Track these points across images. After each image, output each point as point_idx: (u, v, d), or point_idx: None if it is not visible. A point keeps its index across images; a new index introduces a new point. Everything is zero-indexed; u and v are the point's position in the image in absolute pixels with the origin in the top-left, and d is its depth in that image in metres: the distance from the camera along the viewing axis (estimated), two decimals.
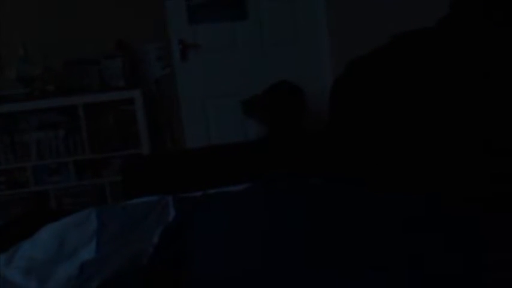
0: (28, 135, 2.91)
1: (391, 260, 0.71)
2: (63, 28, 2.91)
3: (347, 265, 0.71)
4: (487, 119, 0.88)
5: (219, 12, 2.98)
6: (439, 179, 0.95)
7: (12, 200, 2.90)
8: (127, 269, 0.93)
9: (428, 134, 1.00)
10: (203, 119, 3.00)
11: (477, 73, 0.92)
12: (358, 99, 1.42)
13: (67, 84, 2.89)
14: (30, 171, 2.89)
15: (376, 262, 0.72)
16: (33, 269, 1.05)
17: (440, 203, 0.87)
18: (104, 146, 2.91)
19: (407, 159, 1.01)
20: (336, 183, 1.12)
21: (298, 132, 2.40)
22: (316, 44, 3.00)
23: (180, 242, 1.02)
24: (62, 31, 2.90)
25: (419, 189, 0.92)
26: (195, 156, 1.93)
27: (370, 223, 0.86)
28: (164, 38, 2.93)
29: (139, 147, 2.85)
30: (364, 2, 2.35)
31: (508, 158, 0.83)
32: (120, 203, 1.46)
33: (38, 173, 2.91)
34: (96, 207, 1.28)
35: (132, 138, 2.89)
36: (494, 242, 0.71)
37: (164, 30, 2.92)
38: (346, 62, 1.45)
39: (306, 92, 2.63)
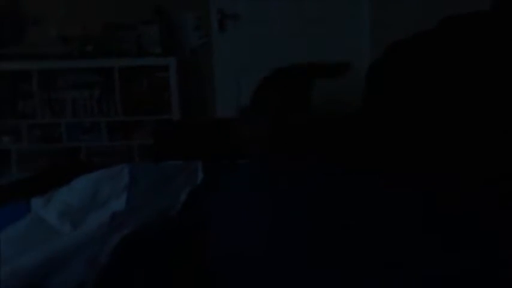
0: (64, 93, 3.01)
1: (406, 256, 0.72)
2: None
3: (357, 261, 0.71)
4: None
5: None
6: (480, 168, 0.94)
7: (44, 154, 3.02)
8: (155, 221, 0.97)
9: (472, 123, 0.99)
10: (235, 91, 3.01)
11: None
12: (398, 83, 1.40)
13: (105, 46, 2.95)
14: (64, 128, 3.00)
15: (391, 258, 0.72)
16: (68, 213, 1.11)
17: (456, 198, 0.87)
18: (135, 110, 2.98)
19: (444, 148, 1.01)
20: (356, 172, 1.12)
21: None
22: (356, 25, 2.96)
23: (206, 204, 1.06)
24: None
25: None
26: (224, 125, 1.96)
27: (387, 216, 0.87)
28: (203, 7, 2.93)
29: (170, 113, 2.90)
30: None
31: None
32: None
33: (71, 130, 3.01)
34: (129, 164, 1.33)
35: (163, 104, 2.95)
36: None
37: None
38: (387, 44, 1.44)
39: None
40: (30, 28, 3.04)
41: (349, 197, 0.90)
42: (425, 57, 1.37)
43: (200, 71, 3.04)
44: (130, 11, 2.94)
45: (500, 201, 0.82)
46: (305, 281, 0.61)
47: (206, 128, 1.99)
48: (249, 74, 2.97)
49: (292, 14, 2.97)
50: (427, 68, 1.31)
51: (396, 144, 1.16)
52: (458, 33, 1.17)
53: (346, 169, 1.03)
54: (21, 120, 3.00)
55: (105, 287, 0.66)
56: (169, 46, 2.97)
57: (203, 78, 3.04)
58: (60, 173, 1.72)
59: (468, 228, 0.75)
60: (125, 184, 1.26)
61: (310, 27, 2.94)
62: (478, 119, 1.02)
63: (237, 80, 2.99)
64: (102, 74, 2.99)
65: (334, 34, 2.95)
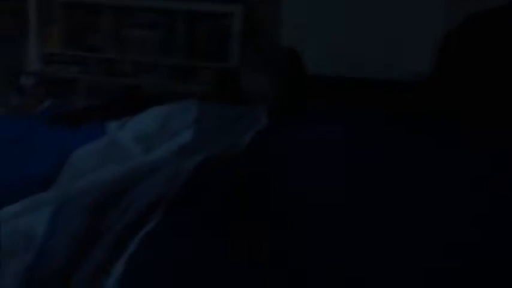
0: (132, 31, 3.10)
1: (455, 217, 0.73)
2: None
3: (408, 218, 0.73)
4: None
5: None
6: None
7: (109, 88, 3.17)
8: (221, 155, 1.04)
9: None
10: (300, 49, 2.94)
11: None
12: (473, 53, 1.37)
13: None
14: (129, 64, 3.11)
15: (440, 219, 0.74)
16: (140, 138, 1.20)
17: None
18: (198, 55, 3.04)
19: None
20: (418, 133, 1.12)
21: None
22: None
23: (270, 147, 1.11)
24: None
25: None
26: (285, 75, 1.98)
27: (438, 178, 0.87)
28: None
29: (228, 62, 2.94)
30: None
31: None
32: None
33: (136, 67, 3.12)
34: (199, 101, 1.40)
35: (223, 52, 2.98)
36: None
37: None
38: (464, 17, 1.39)
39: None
40: None
41: (413, 154, 0.91)
42: (500, 30, 1.31)
43: (266, 23, 3.01)
44: None
45: None
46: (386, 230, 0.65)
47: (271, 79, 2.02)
48: (317, 31, 2.91)
49: None
50: (502, 40, 1.26)
51: (465, 107, 1.15)
52: None
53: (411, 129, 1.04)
54: (89, 53, 3.14)
55: (181, 202, 0.73)
56: None
57: (268, 30, 3.02)
58: (130, 102, 1.82)
59: None
60: (193, 118, 1.34)
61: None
62: None
63: (302, 37, 2.91)
64: (168, 16, 3.04)
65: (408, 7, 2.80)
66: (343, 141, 1.03)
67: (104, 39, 3.11)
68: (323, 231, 0.67)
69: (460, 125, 1.08)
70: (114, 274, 0.59)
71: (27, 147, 1.20)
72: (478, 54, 1.24)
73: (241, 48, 2.91)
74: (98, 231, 0.70)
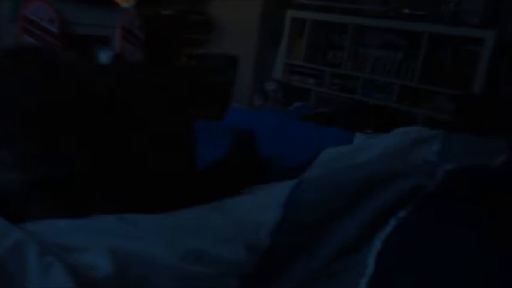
0: (370, 50, 3.22)
1: None
2: None
3: None
4: None
5: None
6: None
7: (337, 101, 3.36)
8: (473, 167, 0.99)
9: None
10: None
11: None
12: None
13: (422, 10, 2.97)
14: (360, 82, 3.24)
15: None
16: (385, 155, 1.25)
17: None
18: (432, 79, 2.95)
19: None
20: None
21: None
22: None
23: None
24: None
25: None
26: None
27: None
28: None
29: (469, 90, 2.75)
30: None
31: None
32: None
33: (367, 85, 3.23)
34: (444, 131, 1.38)
35: (464, 80, 2.82)
36: None
37: None
38: None
39: None
40: None
41: None
42: None
43: None
44: None
45: None
46: None
47: None
48: None
49: None
50: None
51: None
52: None
53: None
54: (327, 68, 3.40)
55: (437, 197, 0.74)
56: (489, 19, 2.76)
57: None
58: (373, 118, 1.91)
59: None
60: (436, 150, 1.32)
61: None
62: None
63: None
64: (410, 38, 3.05)
65: None
66: None
67: (343, 57, 3.32)
68: None
69: None
70: (373, 249, 0.65)
71: (286, 137, 1.40)
72: None
73: (487, 78, 2.70)
74: (352, 211, 0.76)
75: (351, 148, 1.32)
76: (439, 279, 0.58)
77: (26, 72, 0.69)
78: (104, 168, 0.71)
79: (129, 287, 0.54)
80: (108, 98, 0.73)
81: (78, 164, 0.70)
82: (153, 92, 0.85)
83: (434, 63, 2.96)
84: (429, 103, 3.01)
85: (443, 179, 0.79)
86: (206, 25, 3.45)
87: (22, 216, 0.61)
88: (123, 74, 0.85)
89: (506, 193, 0.83)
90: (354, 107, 2.83)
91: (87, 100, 0.72)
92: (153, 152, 0.77)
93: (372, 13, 3.17)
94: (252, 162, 1.26)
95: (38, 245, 0.52)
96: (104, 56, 2.36)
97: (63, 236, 0.58)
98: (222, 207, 0.79)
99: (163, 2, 3.17)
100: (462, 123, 1.90)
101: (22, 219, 0.59)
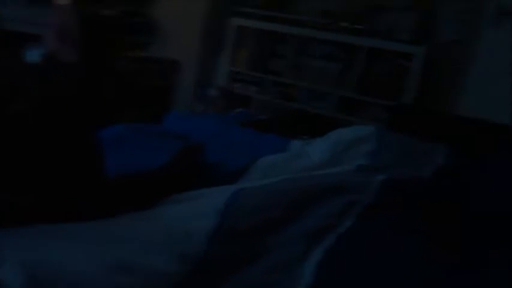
0: (310, 60, 3.31)
1: None
2: None
3: None
4: None
5: None
6: None
7: (278, 109, 3.41)
8: (405, 177, 1.04)
9: None
10: (486, 95, 2.74)
11: None
12: None
13: (360, 25, 3.10)
14: (301, 91, 3.32)
15: None
16: (321, 160, 1.29)
17: None
18: (369, 90, 3.09)
19: None
20: None
21: None
22: None
23: (453, 180, 1.09)
24: None
25: None
26: (469, 123, 1.89)
27: None
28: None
29: (401, 100, 2.91)
30: None
31: None
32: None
33: (306, 94, 3.32)
34: (378, 128, 1.44)
35: (397, 92, 2.97)
36: None
37: None
38: None
39: None
40: None
41: None
42: None
43: (447, 65, 2.92)
44: None
45: None
46: None
47: (445, 122, 1.96)
48: (509, 78, 2.67)
49: None
50: None
51: None
52: None
53: None
54: (268, 76, 3.45)
55: (372, 209, 0.78)
56: (419, 35, 2.94)
57: (449, 73, 2.93)
58: (307, 124, 1.95)
59: None
60: (369, 150, 1.38)
61: None
62: None
63: (495, 80, 2.70)
64: (348, 50, 3.17)
65: None
66: None
67: (285, 66, 3.38)
68: None
69: None
70: (312, 260, 0.66)
71: (225, 143, 1.40)
72: None
73: (416, 91, 2.87)
74: (290, 222, 0.77)
75: (287, 156, 1.34)
76: (380, 285, 0.60)
77: None
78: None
79: None
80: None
81: None
82: (52, 101, 0.79)
83: (370, 75, 3.10)
84: (365, 113, 3.15)
85: (378, 190, 0.82)
86: (148, 28, 3.39)
87: None
88: (48, 75, 0.80)
89: (436, 203, 0.88)
90: (293, 114, 2.89)
91: None
92: (49, 164, 0.71)
93: (313, 25, 3.27)
94: (195, 169, 1.25)
95: None
96: (33, 55, 2.23)
97: None
98: (153, 215, 0.77)
99: (103, 2, 3.07)
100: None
101: None
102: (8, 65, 0.75)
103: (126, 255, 0.60)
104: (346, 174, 1.08)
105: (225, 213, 0.72)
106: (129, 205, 0.81)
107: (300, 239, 0.71)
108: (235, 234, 0.71)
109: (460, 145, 1.48)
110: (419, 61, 2.86)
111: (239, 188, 0.81)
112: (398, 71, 3.01)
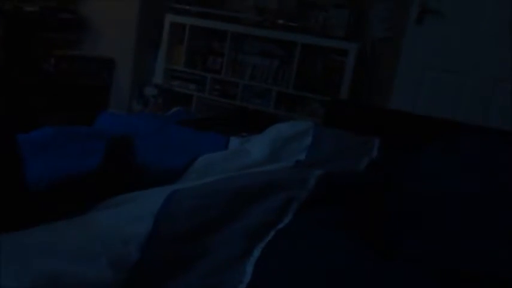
0: (248, 58, 3.32)
1: None
2: None
3: None
4: None
5: None
6: None
7: (218, 107, 3.40)
8: (340, 171, 1.07)
9: None
10: (414, 88, 2.88)
11: None
12: None
13: (294, 22, 3.15)
14: (240, 88, 3.32)
15: None
16: (261, 156, 1.29)
17: None
18: (305, 86, 3.15)
19: None
20: None
21: None
22: None
23: (384, 172, 1.14)
24: None
25: None
26: (400, 116, 1.98)
27: None
28: None
29: (338, 96, 3.00)
30: None
31: None
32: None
33: (246, 91, 3.32)
34: (315, 125, 1.46)
35: (333, 87, 3.06)
36: None
37: None
38: None
39: None
40: None
41: None
42: None
43: (379, 61, 3.05)
44: None
45: None
46: None
47: (379, 116, 2.04)
48: (436, 72, 2.85)
49: (502, 19, 2.65)
50: None
51: None
52: None
53: None
54: (207, 73, 3.42)
55: (311, 204, 0.79)
56: (353, 32, 3.05)
57: (380, 68, 3.05)
58: (246, 120, 1.96)
59: None
60: (307, 145, 1.40)
61: None
62: None
63: (420, 76, 2.87)
64: (285, 47, 3.22)
65: None
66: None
67: (223, 63, 3.37)
68: (464, 230, 0.68)
69: None
70: (251, 258, 0.65)
71: (163, 142, 1.36)
72: None
73: (350, 85, 2.97)
74: (229, 222, 0.76)
75: (226, 154, 1.33)
76: (315, 281, 0.60)
77: None
78: None
79: None
80: None
81: None
82: None
83: (307, 72, 3.17)
84: (303, 108, 3.21)
85: (315, 186, 0.83)
86: (76, 24, 3.22)
87: None
88: None
89: (366, 195, 0.91)
90: (233, 112, 2.89)
91: None
92: None
93: (249, 22, 3.28)
94: (128, 168, 1.20)
95: None
96: None
97: None
98: (84, 221, 0.73)
99: None
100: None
101: None
102: None
103: (53, 266, 0.56)
104: (284, 170, 1.09)
105: (160, 217, 0.70)
106: (58, 213, 0.75)
107: (240, 238, 0.70)
108: (172, 238, 0.69)
109: (392, 138, 1.55)
110: (352, 57, 2.96)
111: (174, 190, 0.79)
112: (333, 67, 3.10)
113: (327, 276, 0.60)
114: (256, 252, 0.66)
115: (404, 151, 1.33)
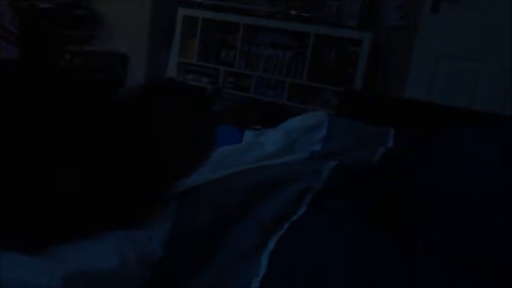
0: (261, 49, 3.31)
1: None
2: None
3: None
4: None
5: None
6: None
7: (232, 99, 3.40)
8: (355, 162, 1.06)
9: None
10: (429, 78, 2.84)
11: None
12: None
13: (307, 13, 3.13)
14: (253, 80, 3.32)
15: None
16: (275, 150, 1.29)
17: None
18: (320, 77, 3.13)
19: None
20: None
21: None
22: None
23: (401, 164, 1.12)
24: None
25: None
26: (414, 106, 1.96)
27: None
28: None
29: (352, 87, 2.98)
30: None
31: None
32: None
33: (259, 83, 3.32)
34: (329, 116, 1.46)
35: (347, 77, 3.04)
36: None
37: None
38: None
39: None
40: None
41: None
42: None
43: (393, 50, 3.01)
44: None
45: None
46: None
47: (392, 105, 2.02)
48: (452, 60, 2.81)
49: None
50: None
51: None
52: None
53: None
54: (220, 66, 3.42)
55: (324, 196, 0.78)
56: (366, 22, 3.01)
57: (394, 58, 3.02)
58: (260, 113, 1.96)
59: None
60: (322, 137, 1.40)
61: None
62: None
63: (435, 64, 2.83)
64: (298, 38, 3.20)
65: None
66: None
67: (236, 55, 3.36)
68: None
69: None
70: (266, 251, 0.65)
71: None
72: None
73: (364, 75, 2.94)
74: (245, 216, 0.76)
75: (240, 147, 1.34)
76: (330, 274, 0.60)
77: None
78: None
79: None
80: None
81: None
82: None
83: (320, 62, 3.15)
84: (317, 99, 3.20)
85: (329, 177, 0.83)
86: (90, 20, 3.25)
87: None
88: None
89: (382, 186, 0.90)
90: (247, 104, 2.89)
91: None
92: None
93: (262, 14, 3.27)
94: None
95: None
96: None
97: None
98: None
99: None
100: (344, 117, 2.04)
101: None
102: None
103: (83, 261, 0.57)
104: (299, 162, 1.08)
105: (180, 214, 0.71)
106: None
107: (254, 231, 0.71)
108: (193, 234, 0.70)
109: (408, 127, 1.53)
110: (366, 47, 2.93)
111: (192, 187, 0.79)
112: (347, 57, 3.07)
113: (346, 266, 0.60)
114: (271, 244, 0.67)
115: (421, 140, 1.31)
